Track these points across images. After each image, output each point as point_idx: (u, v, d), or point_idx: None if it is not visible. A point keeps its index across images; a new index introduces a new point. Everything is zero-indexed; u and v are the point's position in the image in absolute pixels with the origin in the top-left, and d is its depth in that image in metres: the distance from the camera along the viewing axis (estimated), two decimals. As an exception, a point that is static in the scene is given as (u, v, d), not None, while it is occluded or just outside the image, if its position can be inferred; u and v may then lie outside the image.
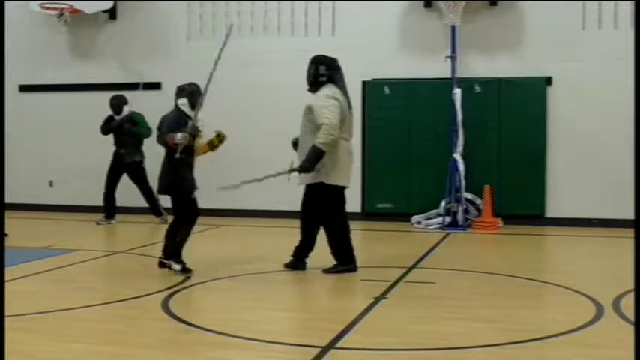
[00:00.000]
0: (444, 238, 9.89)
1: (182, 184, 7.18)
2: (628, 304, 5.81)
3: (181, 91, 7.41)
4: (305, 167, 7.07)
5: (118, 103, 11.03)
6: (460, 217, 10.75)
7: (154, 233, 10.21)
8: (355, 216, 11.15)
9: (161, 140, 7.17)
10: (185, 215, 7.24)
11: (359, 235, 9.96)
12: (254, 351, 4.82)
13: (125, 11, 12.59)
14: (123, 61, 12.65)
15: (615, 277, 6.97)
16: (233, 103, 12.07)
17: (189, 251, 9.03)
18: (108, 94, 11.31)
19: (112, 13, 12.57)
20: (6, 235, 8.91)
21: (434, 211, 10.93)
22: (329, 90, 7.18)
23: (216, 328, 5.23)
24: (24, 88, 12.97)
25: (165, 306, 5.88)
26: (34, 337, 5.04)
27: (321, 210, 7.28)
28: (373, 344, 4.91)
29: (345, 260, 7.30)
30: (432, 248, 8.89)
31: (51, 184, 12.98)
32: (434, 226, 10.71)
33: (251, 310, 5.87)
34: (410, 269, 7.52)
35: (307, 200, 7.35)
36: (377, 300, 6.10)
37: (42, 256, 8.22)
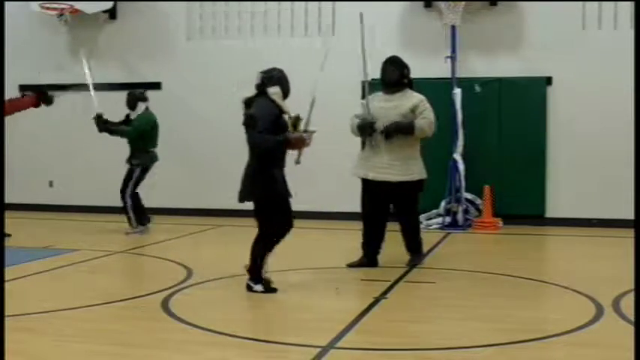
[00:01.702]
0: (444, 238, 9.90)
1: (278, 189, 6.28)
2: (628, 304, 5.81)
3: (271, 78, 6.34)
4: (392, 129, 7.38)
5: (131, 99, 10.41)
6: (460, 217, 10.75)
7: (154, 233, 10.20)
8: (356, 216, 11.15)
9: (265, 143, 6.22)
10: (264, 226, 6.36)
11: (359, 235, 9.95)
12: (254, 351, 4.82)
13: (125, 11, 12.59)
14: (123, 61, 12.65)
15: (615, 277, 6.97)
16: (233, 102, 12.05)
17: (190, 251, 9.04)
18: (108, 94, 11.30)
19: (112, 13, 12.57)
20: (9, 235, 8.92)
21: (434, 211, 10.93)
22: (418, 94, 7.61)
23: (216, 328, 5.23)
24: (24, 88, 12.96)
25: (165, 306, 5.88)
26: (34, 337, 5.04)
27: (413, 205, 7.70)
28: (373, 344, 4.92)
29: (421, 248, 7.86)
30: (432, 248, 8.89)
31: (51, 184, 12.98)
32: (434, 226, 10.71)
33: (251, 310, 5.88)
34: (410, 269, 7.52)
35: (402, 198, 7.58)
36: (377, 300, 6.10)
37: (42, 256, 8.22)
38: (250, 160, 6.38)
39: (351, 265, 7.55)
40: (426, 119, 7.45)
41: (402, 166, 7.44)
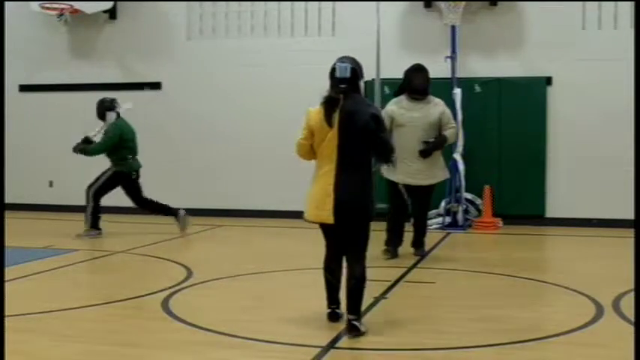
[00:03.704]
0: (444, 238, 9.89)
1: (374, 206, 5.23)
2: (628, 304, 5.81)
3: (361, 70, 5.25)
4: (430, 150, 7.93)
5: (99, 108, 10.04)
6: (460, 217, 10.75)
7: (154, 233, 10.20)
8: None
9: (390, 143, 5.37)
10: (367, 244, 5.28)
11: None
12: (254, 351, 4.82)
13: (125, 11, 12.59)
14: (123, 61, 12.66)
15: (615, 277, 6.98)
16: (233, 103, 12.08)
17: (190, 251, 9.04)
18: (108, 94, 11.28)
19: (112, 13, 12.57)
20: None
21: (434, 211, 10.91)
22: (439, 100, 8.17)
23: (216, 328, 5.23)
24: (24, 88, 12.98)
25: (165, 306, 5.89)
26: (34, 337, 5.04)
27: (430, 203, 8.37)
28: (373, 344, 4.92)
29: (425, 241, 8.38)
30: (432, 248, 8.89)
31: (51, 184, 12.98)
32: (434, 226, 10.69)
33: (251, 310, 5.87)
34: (410, 269, 7.52)
35: (425, 197, 8.14)
36: (377, 300, 6.10)
37: (42, 256, 8.22)
38: (355, 170, 5.11)
39: (388, 259, 7.97)
40: (453, 129, 8.13)
41: (430, 171, 7.99)
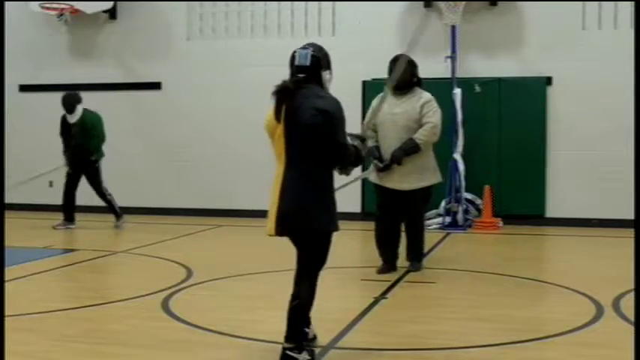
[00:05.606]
0: (444, 238, 9.89)
1: (334, 219, 4.48)
2: (628, 304, 5.81)
3: (325, 57, 4.53)
4: (399, 158, 7.12)
5: (69, 102, 10.38)
6: (460, 217, 10.75)
7: (154, 233, 10.20)
8: (355, 216, 11.17)
9: (347, 149, 4.41)
10: (321, 262, 4.51)
11: (359, 235, 9.96)
12: (254, 351, 4.82)
13: (125, 11, 12.59)
14: (123, 61, 12.65)
15: (615, 277, 6.97)
16: (233, 103, 12.08)
17: (190, 251, 9.05)
18: (108, 94, 11.32)
19: (112, 13, 12.58)
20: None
21: (434, 211, 10.92)
22: (428, 94, 7.29)
23: (216, 328, 5.23)
24: (24, 88, 12.98)
25: (165, 306, 5.89)
26: (34, 337, 5.04)
27: (421, 210, 7.51)
28: (373, 344, 4.92)
29: (422, 256, 7.57)
30: (432, 248, 8.88)
31: (51, 184, 12.96)
32: (434, 226, 10.70)
33: (251, 310, 5.88)
34: (410, 269, 7.51)
35: (411, 203, 7.27)
36: (377, 300, 6.11)
37: (42, 256, 8.22)
38: (305, 174, 4.40)
39: (380, 272, 7.24)
40: (429, 125, 7.13)
41: (410, 175, 7.19)
